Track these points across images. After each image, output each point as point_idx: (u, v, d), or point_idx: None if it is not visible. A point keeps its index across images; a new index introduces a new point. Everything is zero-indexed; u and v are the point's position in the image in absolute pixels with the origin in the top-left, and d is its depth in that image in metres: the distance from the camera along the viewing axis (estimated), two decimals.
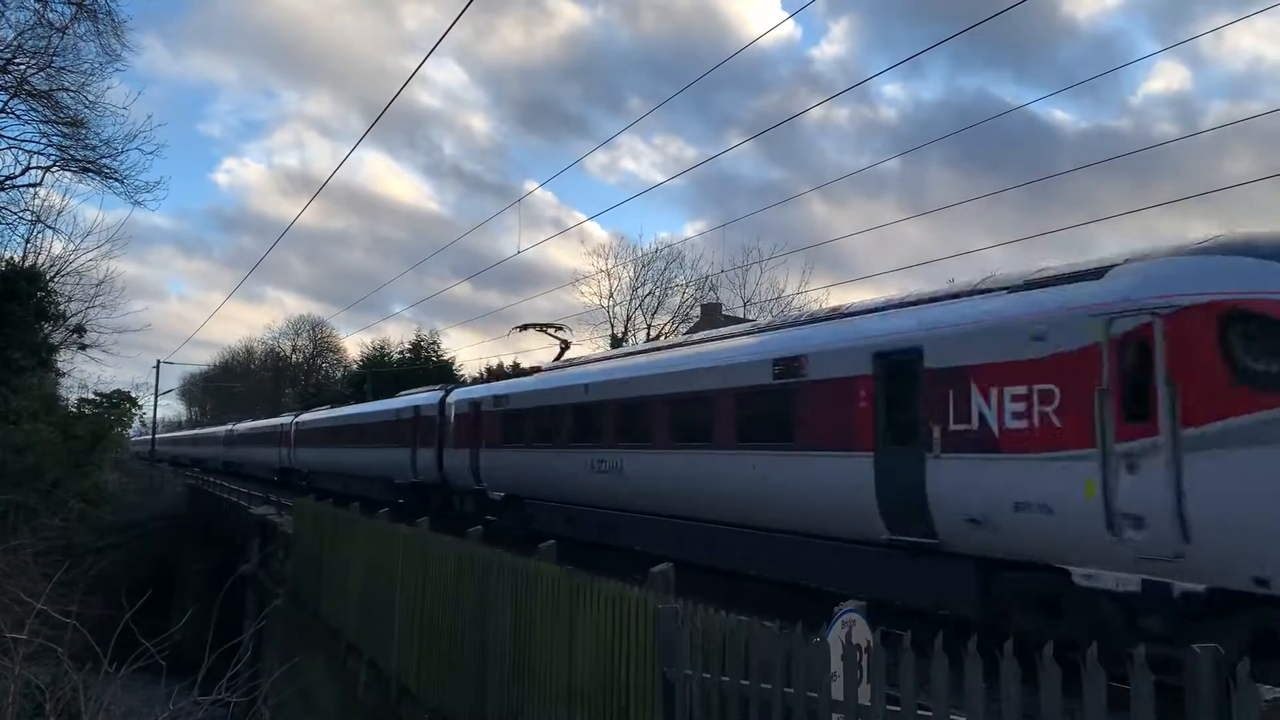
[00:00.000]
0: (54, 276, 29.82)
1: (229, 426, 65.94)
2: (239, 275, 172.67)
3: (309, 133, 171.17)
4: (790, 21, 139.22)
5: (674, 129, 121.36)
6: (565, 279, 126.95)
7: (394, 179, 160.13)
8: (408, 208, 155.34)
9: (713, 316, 45.17)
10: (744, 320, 40.22)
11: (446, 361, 65.88)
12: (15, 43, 24.14)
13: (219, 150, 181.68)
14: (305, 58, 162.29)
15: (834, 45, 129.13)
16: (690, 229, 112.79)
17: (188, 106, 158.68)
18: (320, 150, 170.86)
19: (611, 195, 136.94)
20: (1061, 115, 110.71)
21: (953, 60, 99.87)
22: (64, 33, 24.61)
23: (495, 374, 52.30)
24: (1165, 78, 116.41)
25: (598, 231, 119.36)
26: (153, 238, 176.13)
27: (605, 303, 55.35)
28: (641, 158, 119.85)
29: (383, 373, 61.56)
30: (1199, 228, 76.20)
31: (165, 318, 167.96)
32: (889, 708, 5.13)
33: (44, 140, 26.75)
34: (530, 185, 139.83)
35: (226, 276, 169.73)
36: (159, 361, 63.53)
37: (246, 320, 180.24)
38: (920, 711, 4.97)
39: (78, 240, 31.36)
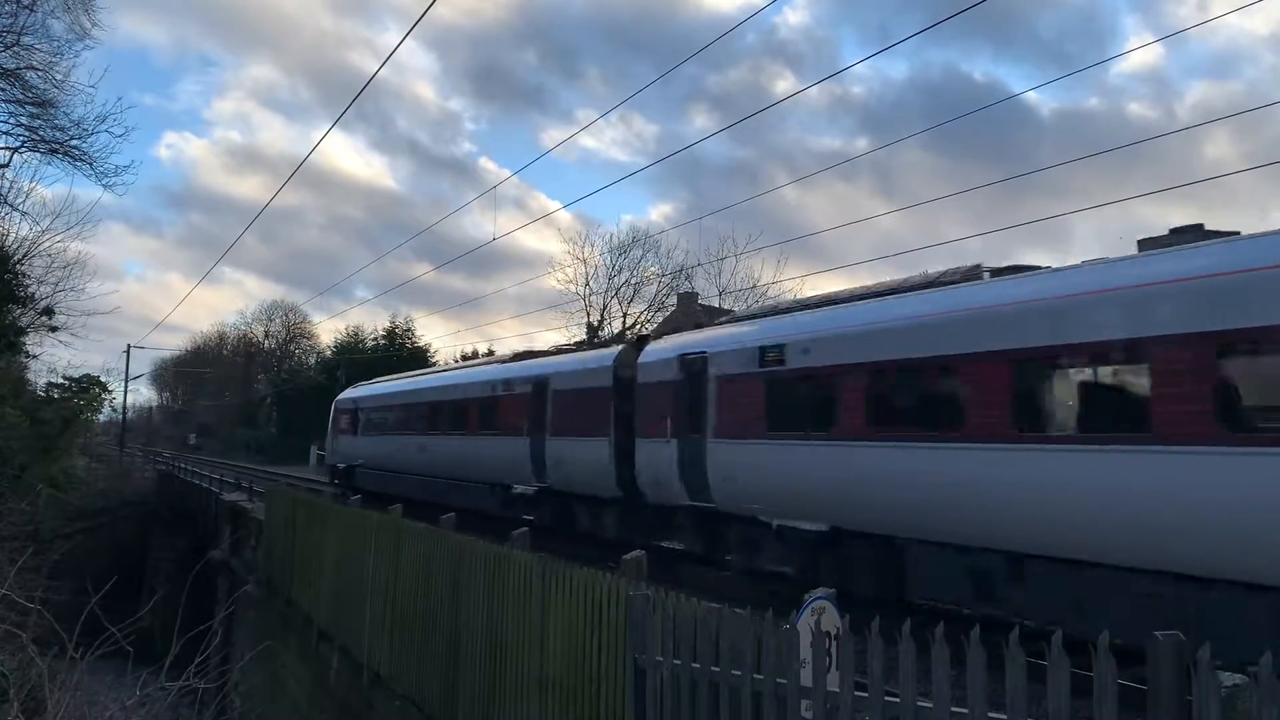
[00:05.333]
0: (22, 259, 29.40)
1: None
2: (192, 255, 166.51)
3: (250, 103, 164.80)
4: None
5: (634, 104, 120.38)
6: (530, 261, 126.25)
7: (347, 153, 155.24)
8: (363, 184, 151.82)
9: (688, 305, 45.18)
10: (722, 310, 40.56)
11: (421, 348, 65.55)
12: None
13: (158, 123, 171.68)
14: (243, 20, 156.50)
15: (798, 13, 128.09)
16: (655, 211, 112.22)
17: (119, 75, 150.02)
18: (264, 121, 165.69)
19: (570, 172, 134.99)
20: (1035, 96, 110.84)
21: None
22: (32, 9, 24.23)
23: (467, 359, 52.08)
24: (1140, 54, 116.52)
25: (560, 213, 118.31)
26: (98, 215, 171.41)
27: (581, 290, 54.95)
28: (602, 134, 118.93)
29: (358, 360, 61.17)
30: (1179, 215, 76.61)
31: (126, 300, 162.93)
32: (856, 694, 5.17)
33: (11, 120, 26.36)
34: (487, 164, 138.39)
35: (180, 256, 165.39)
36: (129, 346, 62.91)
37: (206, 303, 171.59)
38: (888, 698, 5.01)
39: (45, 222, 30.87)
